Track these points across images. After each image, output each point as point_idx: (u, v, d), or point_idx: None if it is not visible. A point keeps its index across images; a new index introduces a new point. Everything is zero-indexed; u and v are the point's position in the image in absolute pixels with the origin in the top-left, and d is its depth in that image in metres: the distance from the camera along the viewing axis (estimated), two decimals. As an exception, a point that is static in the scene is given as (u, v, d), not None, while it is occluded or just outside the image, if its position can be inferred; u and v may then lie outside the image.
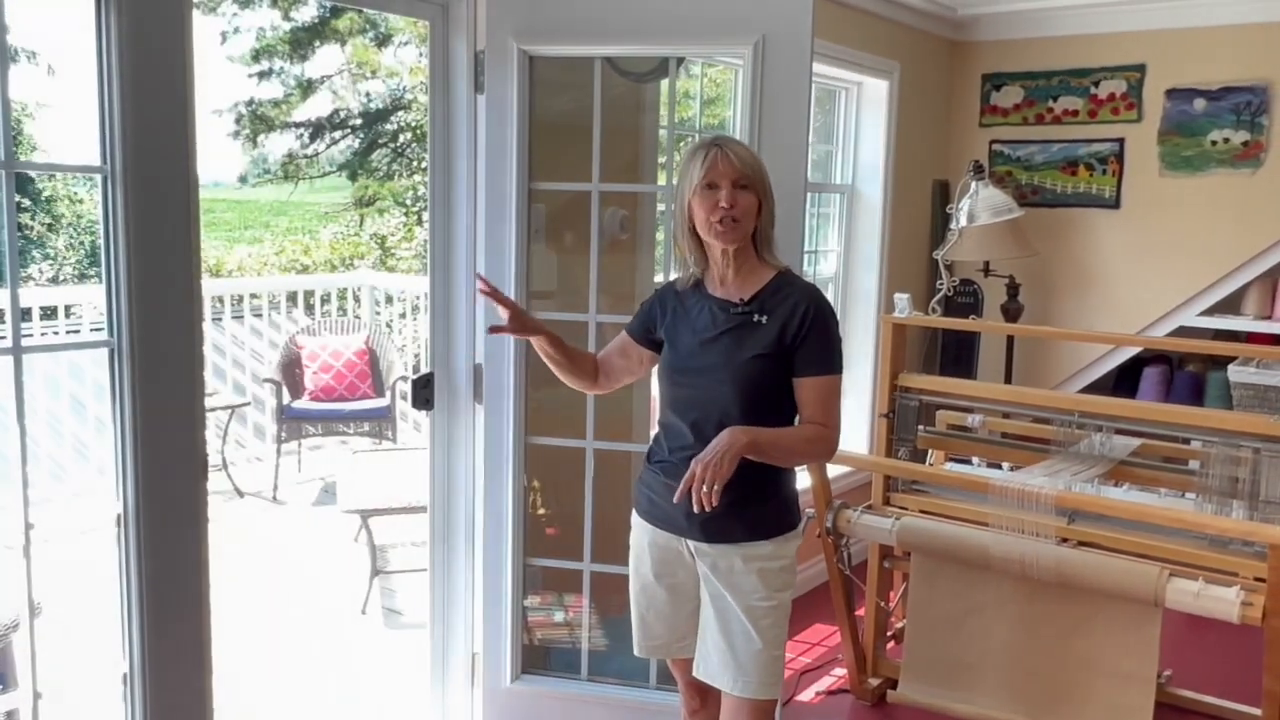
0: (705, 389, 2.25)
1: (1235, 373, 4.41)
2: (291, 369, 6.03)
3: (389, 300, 7.23)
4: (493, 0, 2.72)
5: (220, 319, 6.81)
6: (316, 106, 15.36)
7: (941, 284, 3.55)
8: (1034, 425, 3.54)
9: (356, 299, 7.00)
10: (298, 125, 15.46)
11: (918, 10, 4.58)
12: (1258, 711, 3.23)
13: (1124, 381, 4.92)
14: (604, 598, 3.06)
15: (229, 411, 5.93)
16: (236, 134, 15.73)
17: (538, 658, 3.08)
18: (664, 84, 3.19)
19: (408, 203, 10.08)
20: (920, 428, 3.48)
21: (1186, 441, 3.12)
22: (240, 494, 5.77)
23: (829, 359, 2.24)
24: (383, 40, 14.83)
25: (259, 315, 7.76)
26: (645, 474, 2.43)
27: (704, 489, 2.07)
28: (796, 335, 2.20)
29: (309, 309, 6.80)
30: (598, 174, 2.79)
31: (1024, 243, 4.46)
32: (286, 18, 15.12)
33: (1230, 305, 4.58)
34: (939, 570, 3.08)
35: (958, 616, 3.06)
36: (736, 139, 2.29)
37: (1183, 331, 4.62)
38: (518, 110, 2.74)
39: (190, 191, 2.18)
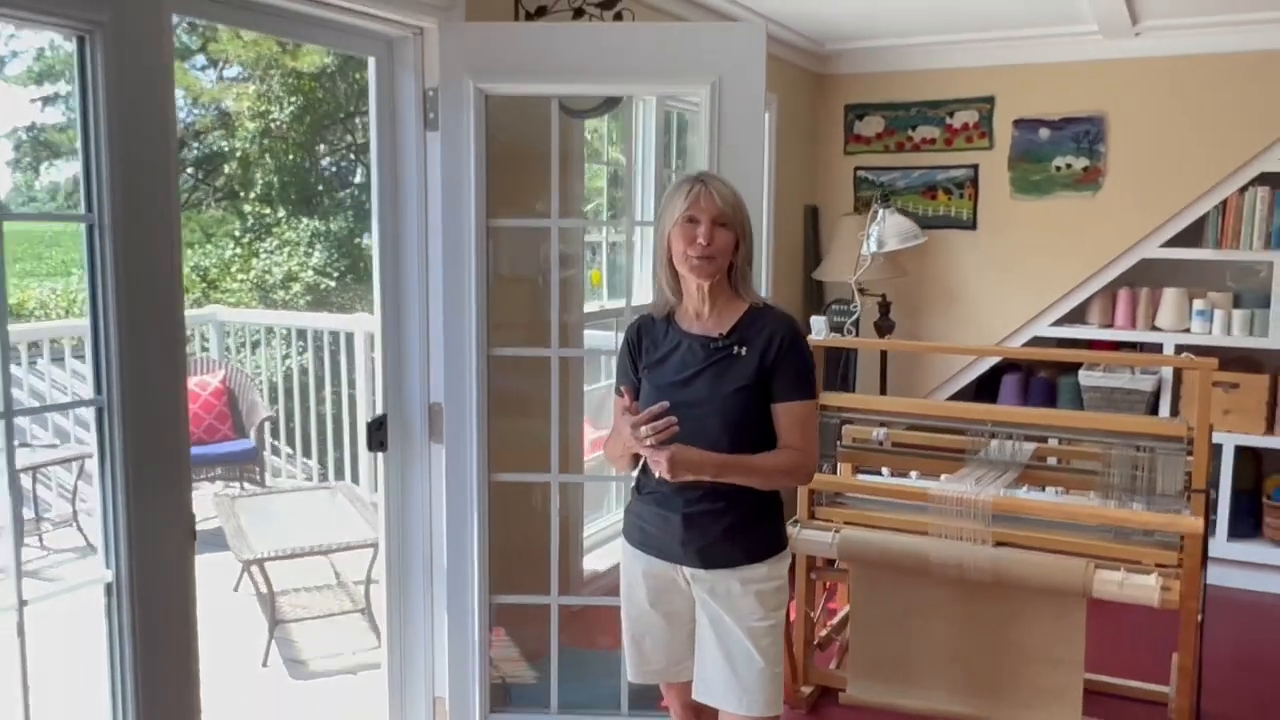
0: (692, 422, 2.28)
1: (1085, 377, 4.85)
2: (146, 413, 5.68)
3: (228, 334, 6.88)
4: (446, 39, 2.71)
5: (36, 363, 6.33)
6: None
7: (855, 307, 3.74)
8: (931, 435, 3.78)
9: (204, 337, 6.65)
10: (89, 151, 14.48)
11: (790, 45, 4.82)
12: (1158, 687, 3.59)
13: (984, 390, 5.29)
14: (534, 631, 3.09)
15: (79, 463, 5.53)
16: (16, 162, 14.62)
17: (499, 696, 3.06)
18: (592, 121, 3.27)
19: (236, 234, 9.62)
20: (837, 443, 3.66)
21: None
22: (94, 549, 5.38)
23: (804, 385, 2.34)
24: (182, 55, 14.11)
25: (80, 357, 7.24)
26: (635, 504, 2.46)
27: (662, 458, 2.16)
28: (774, 363, 2.29)
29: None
30: (556, 209, 2.82)
31: (898, 264, 4.76)
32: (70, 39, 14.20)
33: (1076, 316, 5.01)
34: (878, 577, 3.26)
35: (898, 618, 3.24)
36: (719, 176, 2.37)
37: (1036, 341, 5.03)
38: (475, 148, 2.74)
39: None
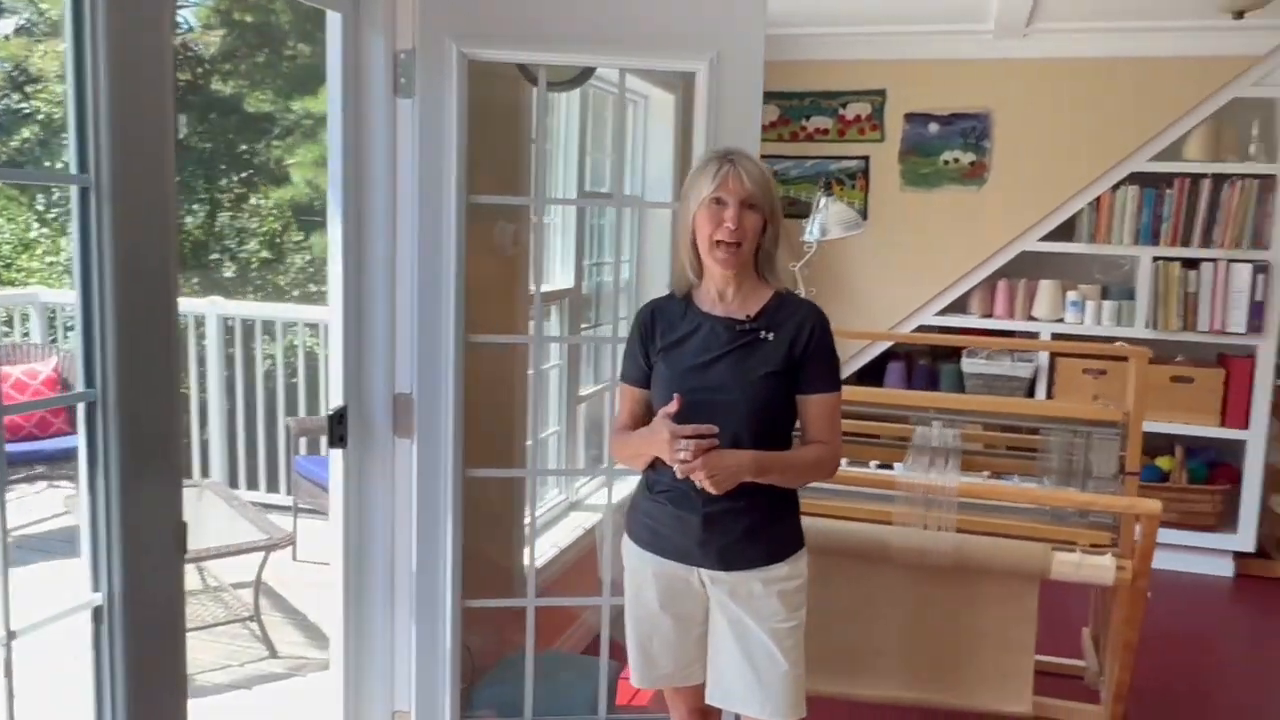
0: (714, 410, 2.19)
1: (968, 364, 5.03)
2: (-33, 405, 5.05)
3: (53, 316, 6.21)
4: (427, -2, 2.49)
5: None
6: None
7: (800, 292, 3.72)
8: (854, 422, 3.83)
9: (24, 319, 5.97)
10: None
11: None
12: (1072, 661, 3.77)
13: (866, 377, 5.41)
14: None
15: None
16: None
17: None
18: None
19: (40, 207, 8.64)
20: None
21: (1035, 431, 3.49)
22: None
23: (835, 376, 2.28)
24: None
25: None
26: (645, 504, 2.34)
27: (705, 480, 2.12)
28: (804, 352, 2.22)
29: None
30: (537, 186, 2.65)
31: (798, 252, 4.79)
32: None
33: (959, 306, 5.20)
34: (833, 566, 3.24)
35: (853, 608, 3.24)
36: (748, 153, 2.27)
37: (921, 329, 5.18)
38: (458, 119, 2.52)
39: None
